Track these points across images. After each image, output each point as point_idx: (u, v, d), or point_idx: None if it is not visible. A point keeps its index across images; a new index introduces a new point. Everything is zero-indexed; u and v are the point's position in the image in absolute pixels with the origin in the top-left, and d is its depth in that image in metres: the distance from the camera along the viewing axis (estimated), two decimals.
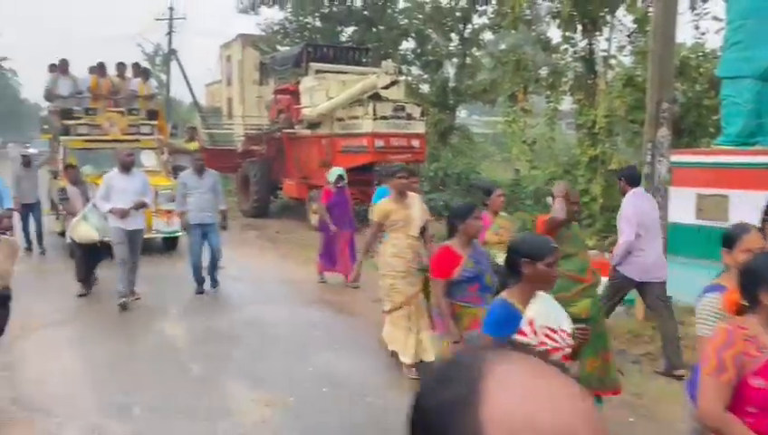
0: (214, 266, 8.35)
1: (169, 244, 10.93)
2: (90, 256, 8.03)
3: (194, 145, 14.18)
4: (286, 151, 15.10)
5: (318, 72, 14.28)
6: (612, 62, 12.94)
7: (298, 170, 14.56)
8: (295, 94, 14.71)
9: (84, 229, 7.78)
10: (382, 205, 5.65)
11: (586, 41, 12.85)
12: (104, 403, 4.98)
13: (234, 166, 15.93)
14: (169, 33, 34.06)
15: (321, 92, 13.54)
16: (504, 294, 2.85)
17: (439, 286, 4.08)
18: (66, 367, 5.79)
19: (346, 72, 14.25)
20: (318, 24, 23.36)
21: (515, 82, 13.91)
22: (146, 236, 8.56)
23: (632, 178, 5.64)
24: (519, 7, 12.09)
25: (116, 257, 7.57)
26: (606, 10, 12.35)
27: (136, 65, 13.80)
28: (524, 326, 2.70)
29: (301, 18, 23.44)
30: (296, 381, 5.41)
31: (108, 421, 4.67)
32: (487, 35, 20.95)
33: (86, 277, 8.15)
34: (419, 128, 13.25)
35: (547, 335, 2.72)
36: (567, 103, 14.70)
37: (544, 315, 2.76)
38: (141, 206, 7.66)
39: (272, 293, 8.50)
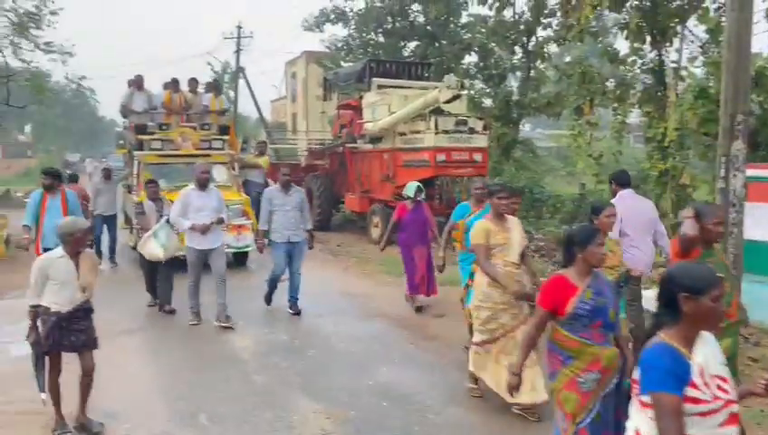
0: (295, 290, 8.05)
1: (239, 259, 11.12)
2: (158, 271, 8.20)
3: (265, 160, 14.46)
4: (348, 166, 15.29)
5: (380, 87, 14.40)
6: (683, 73, 12.52)
7: (360, 184, 14.71)
8: (358, 109, 14.91)
9: (152, 246, 7.84)
10: (482, 224, 5.11)
11: (655, 52, 12.50)
12: (172, 411, 5.13)
13: (297, 180, 16.17)
14: (237, 51, 35.11)
15: (384, 107, 13.65)
16: (663, 337, 2.34)
17: (538, 316, 3.68)
18: (136, 375, 6.00)
19: (408, 87, 14.32)
20: (381, 39, 23.63)
21: (581, 95, 13.65)
22: None
23: (621, 180, 5.99)
24: (585, 19, 11.87)
25: (189, 276, 7.65)
26: (676, 20, 11.98)
27: (214, 82, 14.17)
28: (695, 377, 2.24)
29: (364, 34, 23.78)
30: (356, 395, 5.44)
31: (175, 429, 4.81)
32: (552, 48, 20.58)
33: (155, 288, 8.39)
34: (481, 142, 13.18)
35: (719, 387, 2.27)
36: (634, 116, 14.30)
37: (713, 362, 2.31)
38: (220, 222, 7.64)
39: (333, 306, 8.57)
